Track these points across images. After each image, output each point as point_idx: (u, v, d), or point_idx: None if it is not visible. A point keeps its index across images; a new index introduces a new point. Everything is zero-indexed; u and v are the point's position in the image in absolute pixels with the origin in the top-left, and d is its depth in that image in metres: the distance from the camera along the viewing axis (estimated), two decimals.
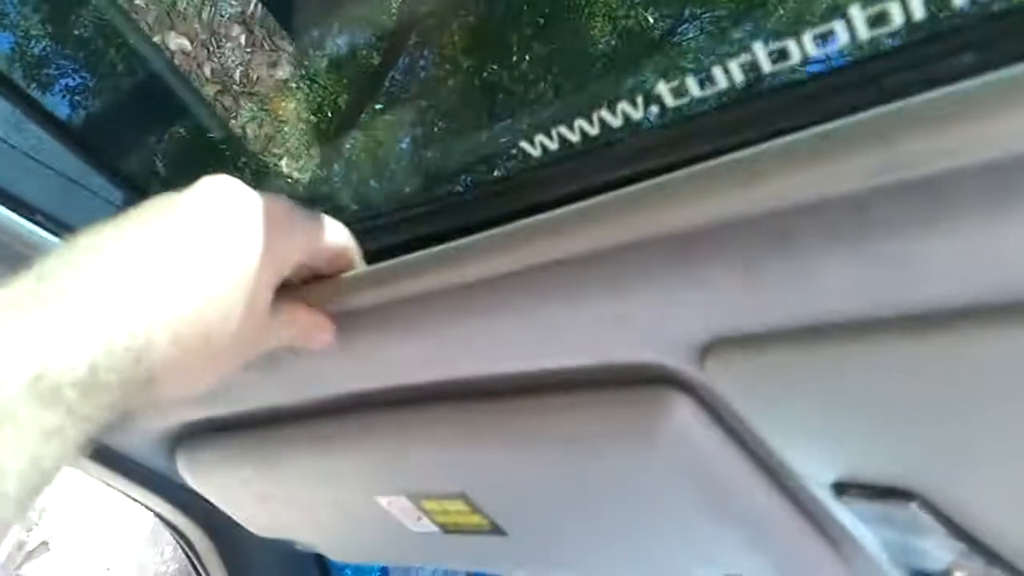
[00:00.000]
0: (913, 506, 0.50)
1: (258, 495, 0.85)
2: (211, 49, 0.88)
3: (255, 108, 0.83)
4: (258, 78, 0.86)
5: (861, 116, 0.36)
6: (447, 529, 0.76)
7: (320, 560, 1.09)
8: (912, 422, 0.45)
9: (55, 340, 0.34)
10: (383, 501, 0.77)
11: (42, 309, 0.36)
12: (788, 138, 0.39)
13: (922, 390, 0.42)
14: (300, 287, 0.62)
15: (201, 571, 1.02)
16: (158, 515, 0.98)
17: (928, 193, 0.36)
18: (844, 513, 0.56)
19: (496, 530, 0.73)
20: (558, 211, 0.49)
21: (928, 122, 0.34)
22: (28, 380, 0.32)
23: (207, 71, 0.85)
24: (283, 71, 0.85)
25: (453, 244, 0.54)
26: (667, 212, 0.43)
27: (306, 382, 0.71)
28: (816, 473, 0.53)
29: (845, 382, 0.45)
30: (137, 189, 0.73)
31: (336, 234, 0.59)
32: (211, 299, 0.45)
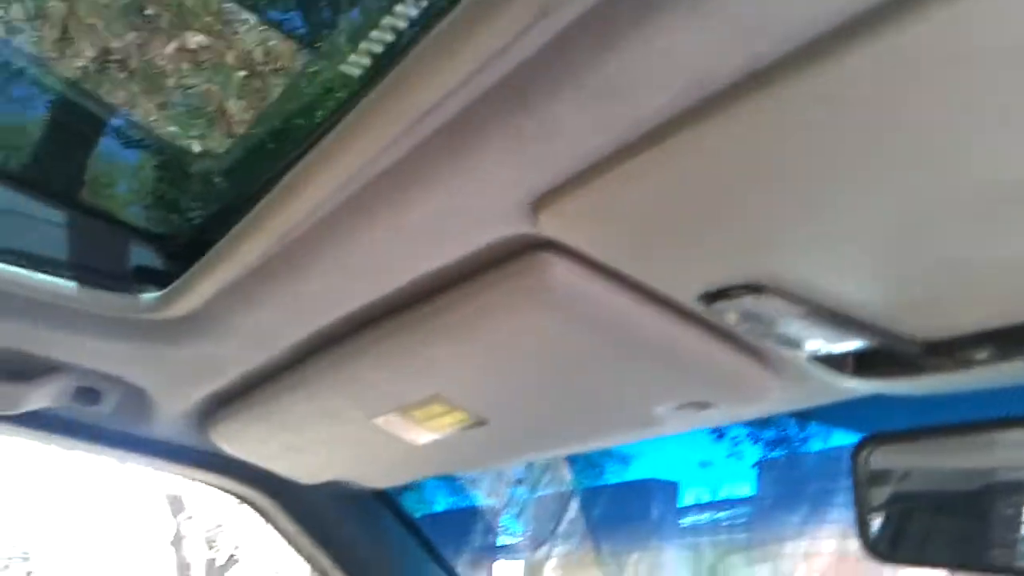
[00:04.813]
0: (765, 296, 0.51)
1: (284, 446, 0.93)
2: None
3: None
4: None
5: None
6: (443, 432, 0.82)
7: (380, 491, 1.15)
8: (730, 217, 0.46)
9: None
10: (380, 422, 0.83)
11: None
12: None
13: (718, 181, 0.44)
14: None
15: (277, 532, 1.12)
16: (223, 490, 1.08)
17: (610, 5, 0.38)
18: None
19: (479, 421, 0.78)
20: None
21: None
22: None
23: None
24: None
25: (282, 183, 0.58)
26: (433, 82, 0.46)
27: (275, 333, 0.78)
28: (683, 292, 0.55)
29: (655, 193, 0.46)
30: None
31: None
32: None
